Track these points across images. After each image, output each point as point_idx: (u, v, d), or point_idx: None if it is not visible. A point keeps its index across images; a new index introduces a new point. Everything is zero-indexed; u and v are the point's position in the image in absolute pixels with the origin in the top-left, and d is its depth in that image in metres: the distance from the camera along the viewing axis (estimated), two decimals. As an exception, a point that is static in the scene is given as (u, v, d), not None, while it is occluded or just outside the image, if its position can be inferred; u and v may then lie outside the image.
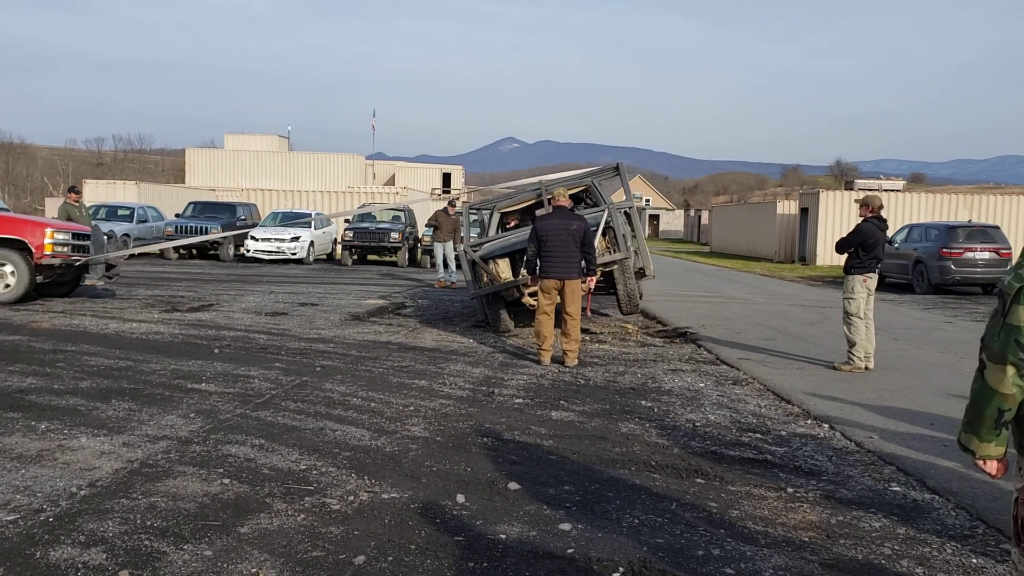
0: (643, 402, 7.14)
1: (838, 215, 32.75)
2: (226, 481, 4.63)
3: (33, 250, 12.12)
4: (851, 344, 9.15)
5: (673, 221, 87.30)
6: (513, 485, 4.74)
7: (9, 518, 3.97)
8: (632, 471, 5.13)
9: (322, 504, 4.35)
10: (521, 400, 7.05)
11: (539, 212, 11.35)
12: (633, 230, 11.48)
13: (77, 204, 16.77)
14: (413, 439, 5.69)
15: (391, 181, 54.28)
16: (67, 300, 12.99)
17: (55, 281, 12.95)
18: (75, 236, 12.72)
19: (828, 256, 32.61)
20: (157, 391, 6.83)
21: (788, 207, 39.27)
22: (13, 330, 9.73)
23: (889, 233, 24.04)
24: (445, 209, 18.76)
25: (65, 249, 12.46)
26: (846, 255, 9.39)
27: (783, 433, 6.29)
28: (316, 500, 4.40)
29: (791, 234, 37.60)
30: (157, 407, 6.27)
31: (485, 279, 10.88)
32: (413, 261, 26.21)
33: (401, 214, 26.87)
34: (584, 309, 10.46)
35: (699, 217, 74.74)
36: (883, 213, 9.47)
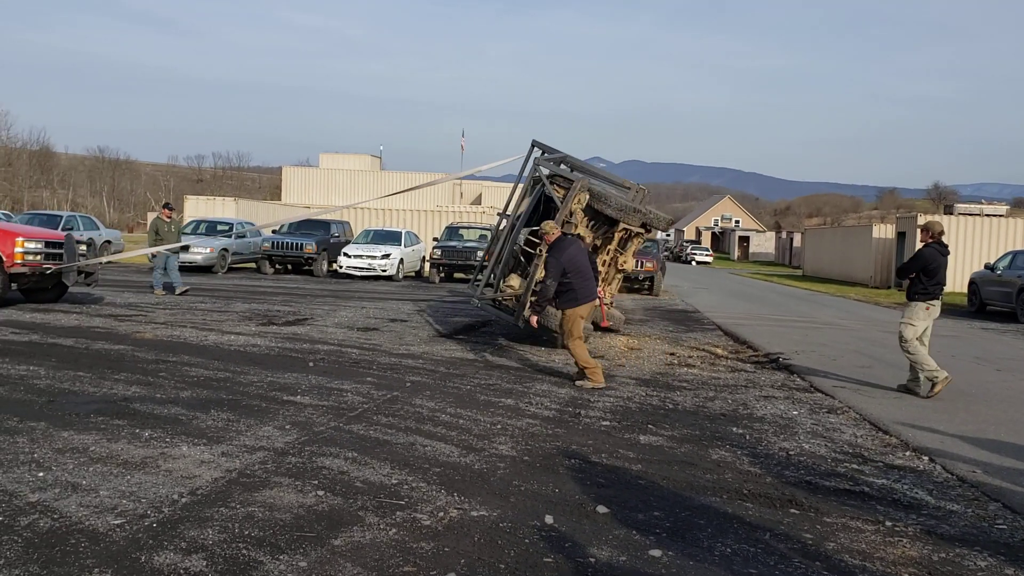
0: (734, 429, 7.02)
1: (937, 240, 31.69)
2: (320, 493, 4.73)
3: (4, 258, 12.44)
4: (923, 368, 9.08)
5: (764, 243, 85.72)
6: (602, 508, 4.72)
7: (116, 522, 4.13)
8: (724, 499, 5.05)
9: (413, 519, 4.40)
10: (608, 423, 7.01)
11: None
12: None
13: (169, 220, 17.28)
14: (501, 458, 5.72)
15: (478, 200, 54.85)
16: (168, 311, 13.46)
17: (36, 287, 13.37)
18: (47, 244, 13.07)
19: (926, 282, 31.57)
20: (254, 402, 7.02)
21: (884, 231, 38.22)
22: (117, 340, 10.14)
23: (991, 260, 23.20)
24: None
25: (37, 258, 12.78)
26: (908, 281, 9.31)
27: (880, 464, 6.10)
28: (407, 515, 4.46)
29: (887, 259, 36.55)
30: (254, 418, 6.45)
31: (512, 303, 11.00)
32: (499, 279, 26.40)
33: (487, 233, 27.11)
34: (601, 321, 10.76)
35: (791, 240, 73.26)
36: (944, 239, 9.35)
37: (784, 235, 79.74)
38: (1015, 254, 21.49)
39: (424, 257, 28.38)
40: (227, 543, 3.93)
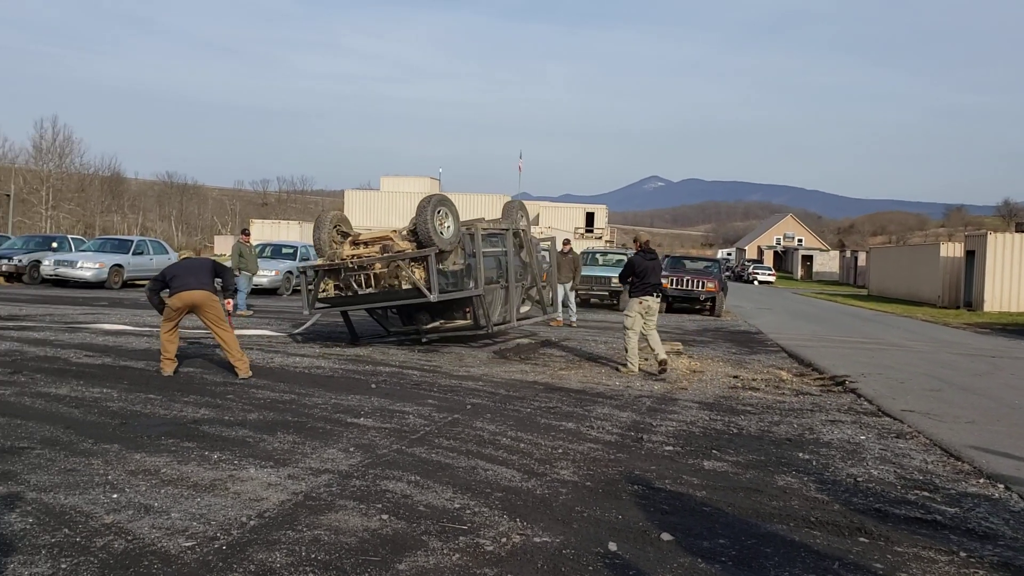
0: (800, 454, 6.90)
1: (1008, 258, 30.84)
2: (384, 517, 4.77)
3: None
4: (626, 350, 11.31)
5: (828, 262, 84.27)
6: (666, 536, 4.67)
7: (187, 544, 4.22)
8: (790, 527, 4.96)
9: (476, 544, 4.41)
10: (671, 448, 6.95)
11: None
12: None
13: (248, 244, 18.68)
14: (563, 483, 5.70)
15: (535, 221, 54.98)
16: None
17: None
18: None
19: (997, 302, 30.73)
20: (319, 424, 7.12)
21: (952, 249, 37.31)
22: (187, 363, 10.37)
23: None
24: (561, 249, 18.96)
25: None
26: (628, 283, 11.54)
27: (953, 492, 5.94)
28: (470, 540, 4.47)
29: (956, 278, 35.66)
30: (319, 440, 6.55)
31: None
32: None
33: (546, 254, 27.10)
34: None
35: (855, 259, 71.94)
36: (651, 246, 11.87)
37: (848, 254, 78.37)
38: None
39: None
40: (294, 566, 3.99)
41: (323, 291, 12.24)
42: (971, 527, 5.13)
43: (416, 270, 11.53)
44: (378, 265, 11.69)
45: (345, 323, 13.74)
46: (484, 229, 12.95)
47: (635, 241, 12.01)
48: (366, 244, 12.28)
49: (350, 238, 12.61)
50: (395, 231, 12.28)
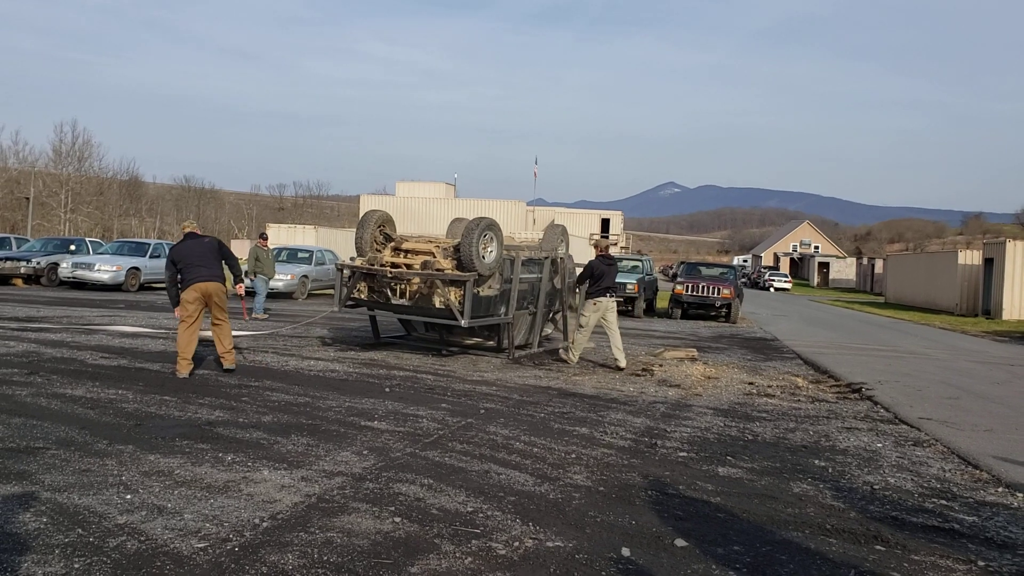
0: (816, 461, 6.85)
1: (1029, 266, 30.59)
2: (397, 520, 4.76)
3: None
4: (572, 342, 12.74)
5: (844, 270, 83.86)
6: (680, 542, 4.64)
7: (200, 545, 4.22)
8: (806, 534, 4.92)
9: (488, 548, 4.39)
10: (685, 453, 6.91)
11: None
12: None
13: (266, 248, 18.79)
14: (576, 487, 5.68)
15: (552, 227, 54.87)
16: (250, 337, 13.77)
17: None
18: None
19: (1016, 310, 30.48)
20: (333, 427, 7.13)
21: (970, 257, 37.04)
22: (202, 365, 10.40)
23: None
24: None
25: None
26: (583, 285, 12.76)
27: (971, 500, 5.88)
28: (483, 544, 4.45)
29: (974, 286, 35.41)
30: (333, 443, 6.55)
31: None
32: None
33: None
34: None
35: (872, 266, 71.56)
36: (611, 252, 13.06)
37: (865, 261, 77.99)
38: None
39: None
40: (307, 568, 3.98)
41: (357, 291, 12.24)
42: (990, 536, 5.07)
43: (453, 292, 11.43)
44: (415, 280, 11.67)
45: (371, 325, 13.82)
46: (525, 256, 12.89)
47: (595, 247, 12.85)
48: (407, 253, 12.20)
49: (392, 243, 12.47)
50: (437, 245, 12.08)
